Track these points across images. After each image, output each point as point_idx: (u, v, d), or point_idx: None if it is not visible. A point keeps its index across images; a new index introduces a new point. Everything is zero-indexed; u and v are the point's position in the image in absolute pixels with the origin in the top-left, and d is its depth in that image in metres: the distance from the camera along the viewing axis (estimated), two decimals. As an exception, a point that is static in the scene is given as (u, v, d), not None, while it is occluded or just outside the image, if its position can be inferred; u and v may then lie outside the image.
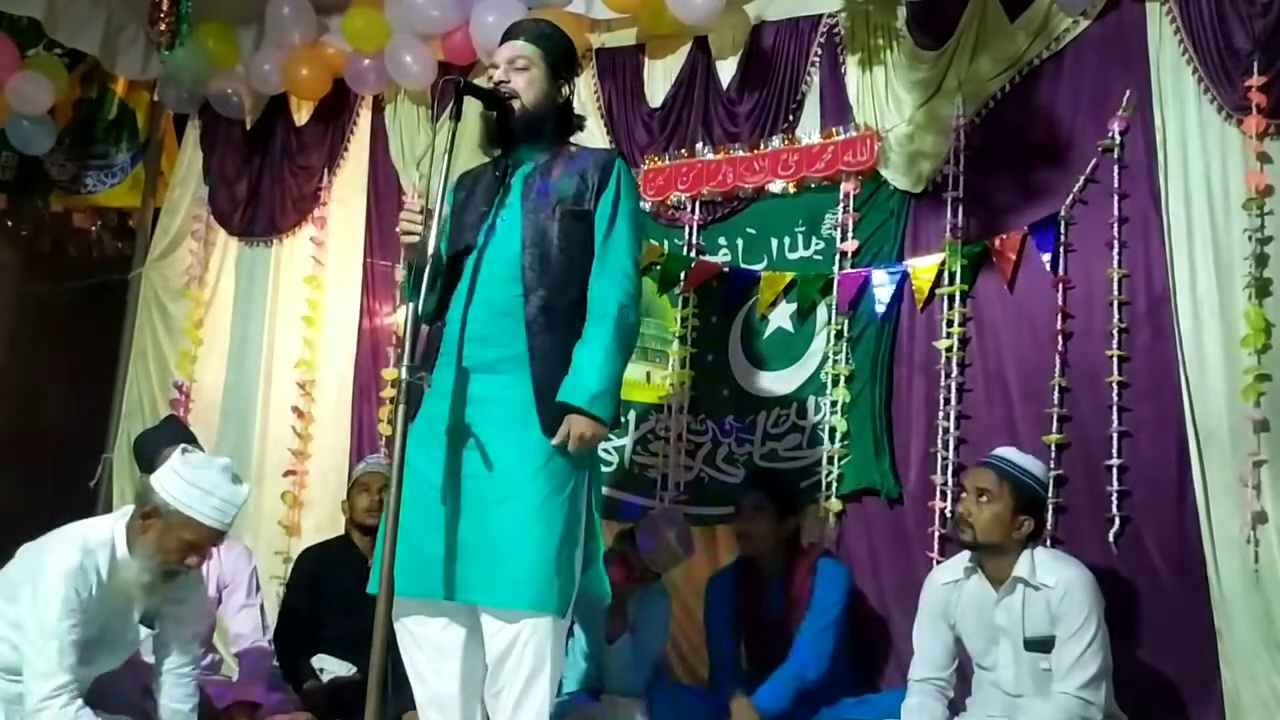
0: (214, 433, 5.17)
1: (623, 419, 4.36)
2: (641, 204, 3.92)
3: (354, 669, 3.79)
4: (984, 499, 3.16)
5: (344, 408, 5.07)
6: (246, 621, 3.91)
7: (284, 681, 3.87)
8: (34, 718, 2.78)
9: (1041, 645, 3.11)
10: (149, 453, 3.80)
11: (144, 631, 3.10)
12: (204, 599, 3.50)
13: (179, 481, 2.93)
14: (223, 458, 3.12)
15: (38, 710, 2.77)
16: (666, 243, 4.42)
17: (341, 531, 4.28)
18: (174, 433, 3.93)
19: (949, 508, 3.81)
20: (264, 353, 5.27)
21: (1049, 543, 3.56)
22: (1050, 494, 3.62)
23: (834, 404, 4.05)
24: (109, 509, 5.30)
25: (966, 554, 3.27)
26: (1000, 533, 3.15)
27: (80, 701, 2.82)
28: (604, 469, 4.33)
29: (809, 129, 4.23)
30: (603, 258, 3.01)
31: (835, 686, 3.56)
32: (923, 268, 3.97)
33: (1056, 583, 3.09)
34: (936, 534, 3.83)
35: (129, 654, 3.12)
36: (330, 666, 3.89)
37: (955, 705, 3.34)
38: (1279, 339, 3.41)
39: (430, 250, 2.84)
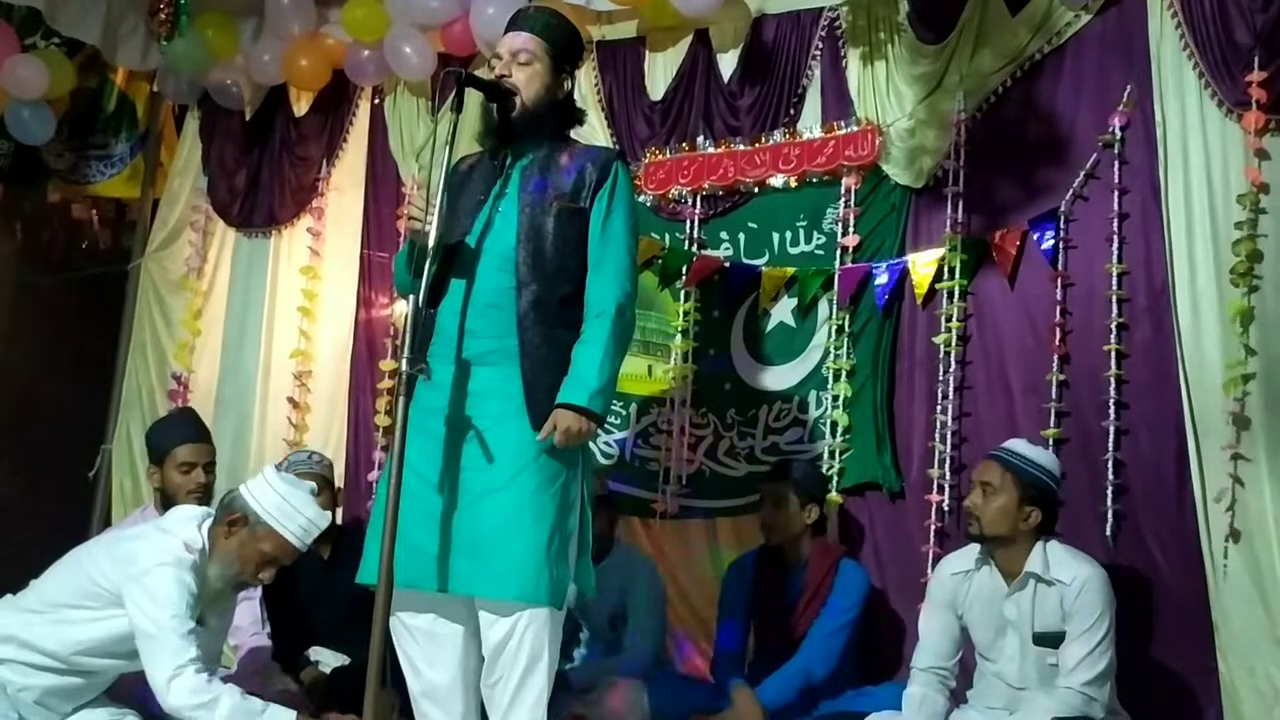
0: (211, 423, 5.09)
1: (625, 412, 4.38)
2: (639, 202, 3.94)
3: (348, 660, 3.80)
4: (988, 491, 3.18)
5: (340, 398, 5.07)
6: (246, 614, 3.90)
7: (282, 674, 3.86)
8: (170, 687, 2.86)
9: (1050, 640, 3.12)
10: (162, 445, 3.77)
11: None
12: (236, 597, 3.54)
13: (272, 494, 3.05)
14: (309, 482, 3.25)
15: (173, 678, 2.85)
16: (668, 237, 4.43)
17: (339, 522, 4.26)
18: (188, 425, 3.89)
19: (946, 502, 3.83)
20: (262, 344, 5.28)
21: (1048, 536, 3.59)
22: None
23: (835, 399, 4.06)
24: (108, 500, 5.33)
25: (977, 545, 3.28)
26: (1006, 525, 3.16)
27: (210, 672, 2.90)
28: (606, 462, 4.36)
29: (810, 123, 4.23)
30: (600, 256, 3.02)
31: (840, 681, 3.59)
32: (923, 263, 3.97)
33: (1072, 579, 3.10)
34: (933, 528, 3.84)
35: None
36: (326, 659, 3.89)
37: (957, 695, 3.36)
38: (1270, 336, 3.42)
39: (432, 241, 2.84)
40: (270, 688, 3.67)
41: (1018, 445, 3.29)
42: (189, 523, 3.11)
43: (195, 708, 2.84)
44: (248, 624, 3.91)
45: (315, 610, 3.91)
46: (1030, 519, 3.17)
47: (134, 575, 2.95)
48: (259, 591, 3.97)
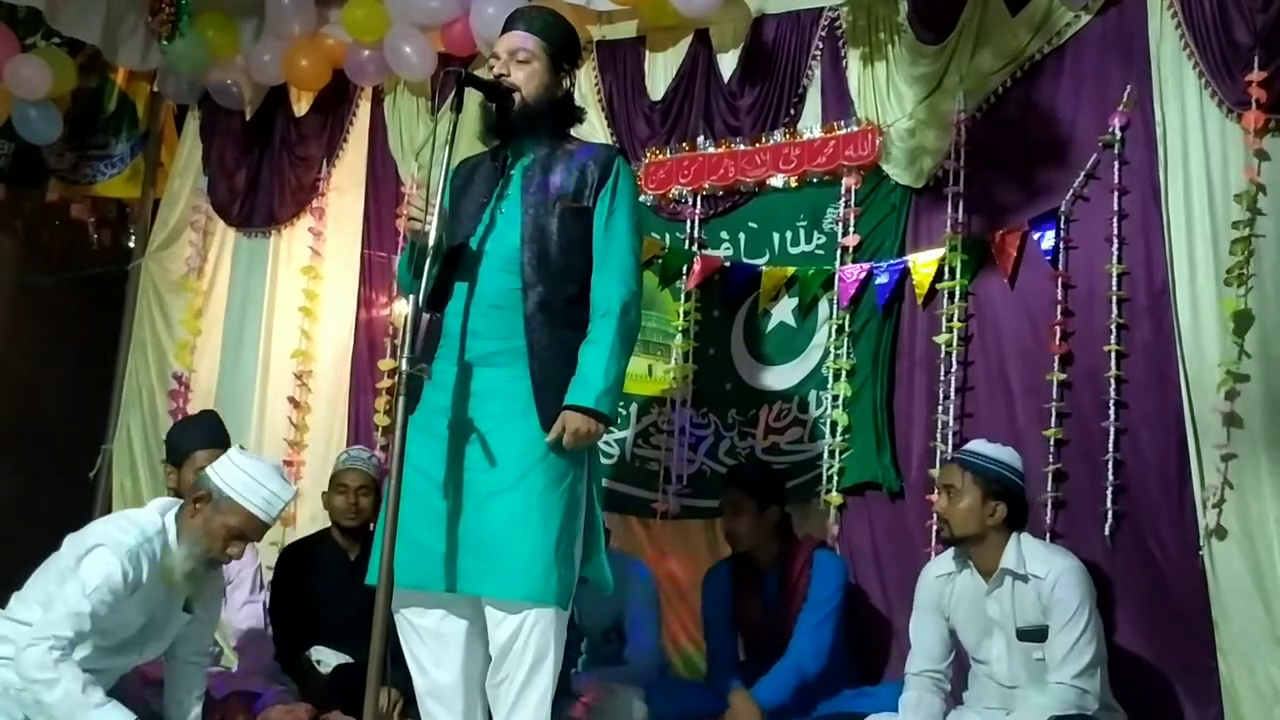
0: (212, 423, 5.17)
1: (625, 412, 4.38)
2: (641, 200, 3.93)
3: (350, 660, 3.80)
4: (952, 493, 3.21)
5: (340, 398, 5.08)
6: (249, 618, 3.91)
7: (283, 674, 3.87)
8: (20, 655, 2.85)
9: (1034, 635, 3.14)
10: (182, 447, 3.76)
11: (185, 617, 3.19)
12: (223, 588, 3.57)
13: (233, 469, 3.08)
14: (273, 460, 3.29)
15: (26, 647, 2.84)
16: (668, 236, 4.44)
17: (324, 526, 4.26)
18: (210, 430, 3.87)
19: (942, 502, 3.83)
20: (261, 343, 5.29)
21: (1049, 536, 3.59)
22: (1049, 487, 3.65)
23: (835, 398, 4.06)
24: (108, 500, 5.34)
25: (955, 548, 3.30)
26: (974, 523, 3.19)
27: (69, 659, 2.85)
28: (606, 462, 4.35)
29: (810, 123, 4.23)
30: (604, 255, 3.02)
31: (836, 679, 3.59)
32: (924, 263, 3.97)
33: (1047, 573, 3.12)
34: (933, 529, 3.83)
35: (170, 640, 3.20)
36: (327, 659, 3.90)
37: (953, 697, 3.37)
38: (1269, 336, 3.42)
39: (432, 241, 2.84)
40: (271, 687, 3.69)
41: (976, 445, 3.33)
42: (154, 510, 3.14)
43: (34, 681, 2.84)
44: (250, 625, 3.92)
45: (331, 607, 3.91)
46: (996, 514, 3.18)
47: (81, 554, 2.97)
48: (263, 594, 3.98)
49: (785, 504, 3.80)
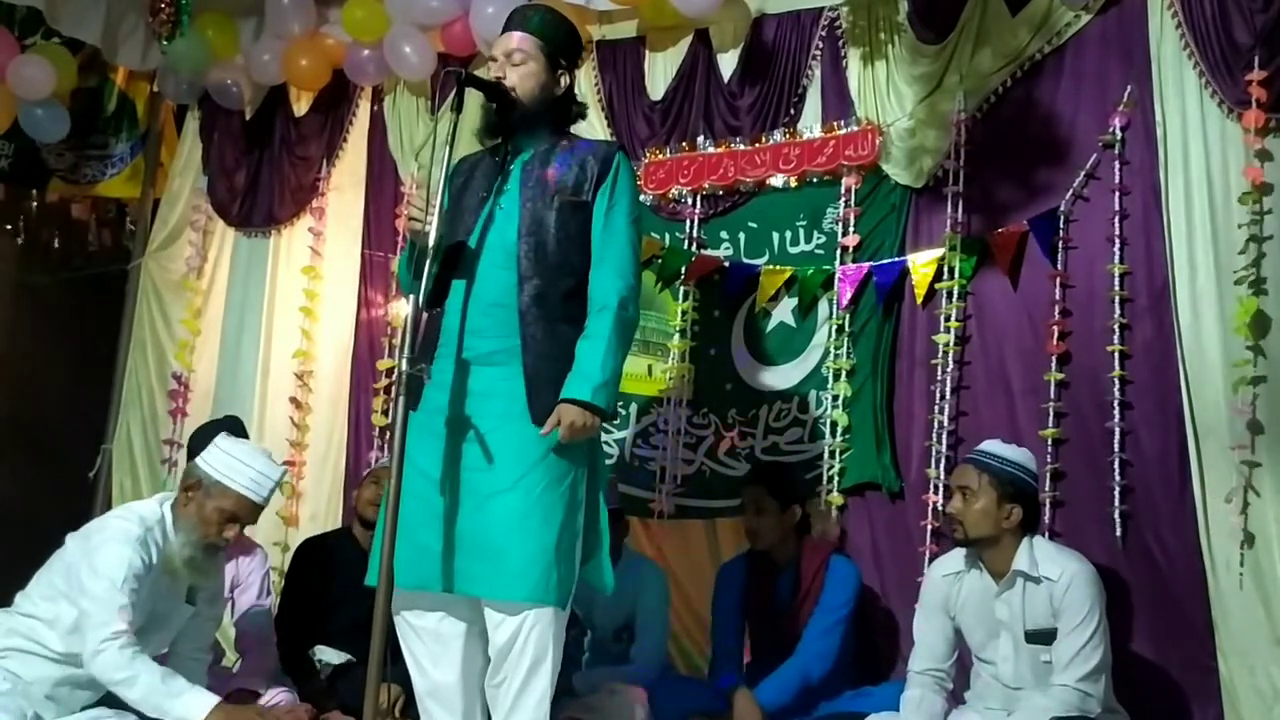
0: (212, 423, 5.17)
1: (624, 412, 4.38)
2: (641, 197, 3.92)
3: (352, 660, 3.80)
4: (967, 495, 3.20)
5: (341, 398, 5.09)
6: (255, 622, 3.90)
7: (284, 675, 3.87)
8: (94, 660, 2.91)
9: (1043, 638, 3.12)
10: (201, 449, 3.76)
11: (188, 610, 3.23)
12: (224, 584, 3.58)
13: (219, 454, 3.15)
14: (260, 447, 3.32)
15: (97, 652, 2.91)
16: (668, 236, 4.44)
17: (339, 522, 4.25)
18: (231, 433, 3.86)
19: (942, 502, 3.82)
20: (261, 343, 5.29)
21: (1048, 535, 3.58)
22: (1048, 486, 3.64)
23: (835, 398, 4.06)
24: (108, 500, 5.35)
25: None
26: (989, 525, 3.17)
27: (140, 652, 2.93)
28: (606, 462, 4.34)
29: (810, 123, 4.23)
30: (602, 250, 3.01)
31: (837, 680, 3.58)
32: (923, 262, 3.97)
33: (1059, 575, 3.10)
34: (929, 528, 3.84)
35: (174, 633, 3.23)
36: (328, 658, 3.90)
37: (955, 697, 3.36)
38: (1270, 340, 3.42)
39: (432, 240, 2.84)
40: (272, 688, 3.68)
41: (991, 445, 3.30)
42: (153, 501, 3.21)
43: (115, 683, 2.91)
44: (256, 629, 3.91)
45: (344, 605, 3.88)
46: (1012, 517, 3.17)
47: (89, 551, 3.01)
48: (269, 601, 3.98)
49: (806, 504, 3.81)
